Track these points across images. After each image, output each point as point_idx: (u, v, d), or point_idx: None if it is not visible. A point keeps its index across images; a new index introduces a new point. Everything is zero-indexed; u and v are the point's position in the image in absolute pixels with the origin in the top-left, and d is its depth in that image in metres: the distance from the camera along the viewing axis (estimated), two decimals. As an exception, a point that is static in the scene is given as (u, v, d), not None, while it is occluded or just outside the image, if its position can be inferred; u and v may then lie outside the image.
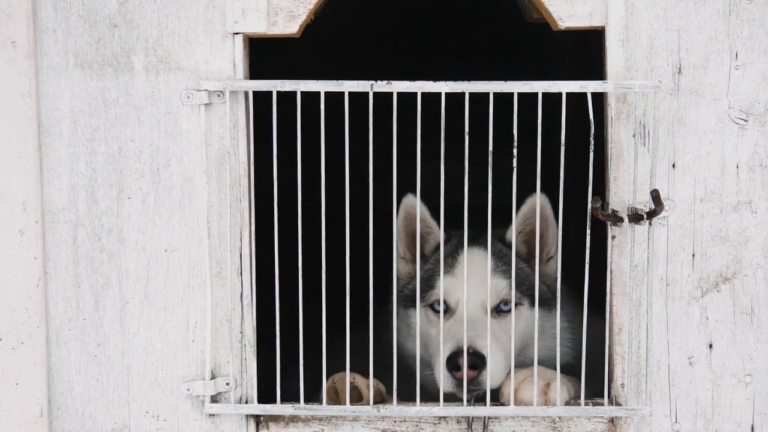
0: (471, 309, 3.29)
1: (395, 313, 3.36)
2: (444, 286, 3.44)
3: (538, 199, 3.29)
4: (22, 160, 3.16)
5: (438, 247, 3.56)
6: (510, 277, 3.41)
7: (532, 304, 3.41)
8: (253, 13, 3.13)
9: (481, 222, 3.17)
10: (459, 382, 3.20)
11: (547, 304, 3.42)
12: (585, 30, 3.18)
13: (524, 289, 3.47)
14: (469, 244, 3.23)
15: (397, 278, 3.57)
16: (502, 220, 3.43)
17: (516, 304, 3.41)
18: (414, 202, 3.40)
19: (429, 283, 3.49)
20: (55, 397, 3.24)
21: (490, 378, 3.21)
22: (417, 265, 3.32)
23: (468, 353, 3.18)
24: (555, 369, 3.26)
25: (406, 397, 3.25)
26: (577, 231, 3.36)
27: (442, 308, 3.42)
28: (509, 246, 3.49)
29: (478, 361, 3.20)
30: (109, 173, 3.19)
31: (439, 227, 3.48)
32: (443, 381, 3.23)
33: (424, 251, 3.51)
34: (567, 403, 3.20)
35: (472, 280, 3.30)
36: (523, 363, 3.33)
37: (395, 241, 3.46)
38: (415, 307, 3.47)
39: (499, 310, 3.44)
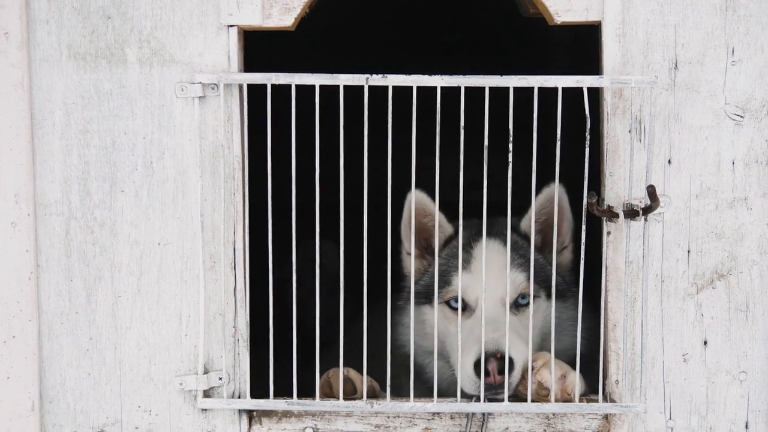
0: (491, 306, 3.25)
1: (405, 309, 3.33)
2: (461, 282, 3.33)
3: (557, 189, 3.22)
4: (15, 152, 3.14)
5: (446, 242, 3.49)
6: (526, 270, 3.37)
7: (549, 296, 3.35)
8: (248, 6, 3.11)
9: (479, 217, 3.15)
10: (486, 385, 3.15)
11: (561, 295, 3.38)
12: (581, 25, 3.17)
13: (540, 281, 3.41)
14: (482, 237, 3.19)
15: (405, 275, 3.51)
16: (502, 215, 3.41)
17: (534, 297, 3.38)
18: (420, 197, 3.34)
19: (444, 278, 3.42)
20: (47, 391, 3.23)
21: (515, 378, 3.17)
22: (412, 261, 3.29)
23: (496, 358, 3.15)
24: (568, 362, 3.22)
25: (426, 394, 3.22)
26: (573, 226, 3.35)
27: (459, 306, 3.34)
28: (524, 237, 3.46)
29: (505, 366, 3.15)
30: (102, 166, 3.17)
31: (448, 222, 3.46)
32: (468, 384, 3.19)
33: (432, 246, 3.43)
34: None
35: (489, 276, 3.22)
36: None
37: (402, 237, 3.43)
38: (427, 303, 3.45)
39: (518, 304, 3.39)
